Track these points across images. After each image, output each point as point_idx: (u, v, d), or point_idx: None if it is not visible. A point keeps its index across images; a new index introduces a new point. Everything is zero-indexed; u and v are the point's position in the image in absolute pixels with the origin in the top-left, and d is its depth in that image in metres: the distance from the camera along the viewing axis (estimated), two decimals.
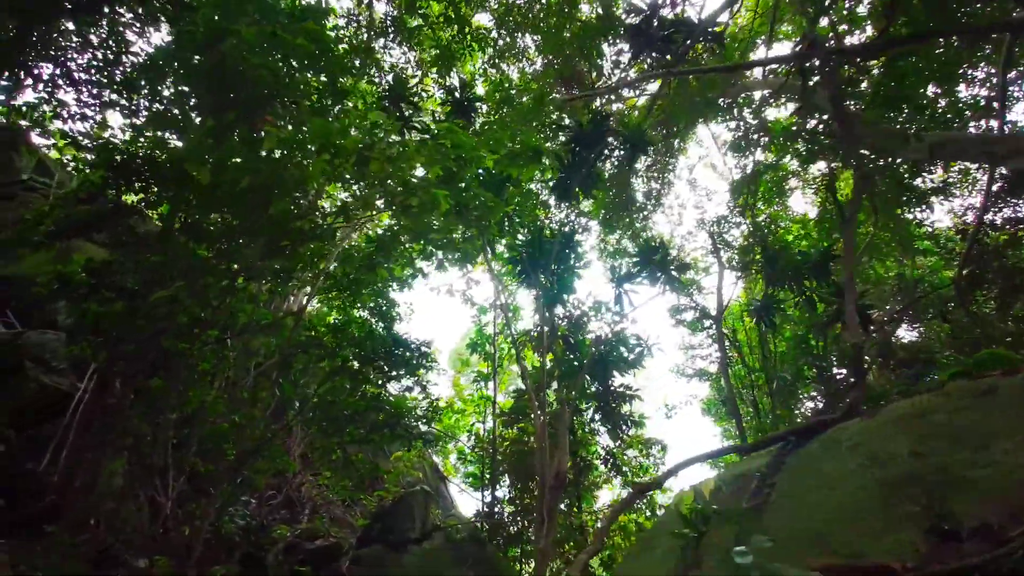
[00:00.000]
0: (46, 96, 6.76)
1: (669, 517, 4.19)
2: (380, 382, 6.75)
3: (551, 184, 8.23)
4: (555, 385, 10.26)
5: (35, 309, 10.94)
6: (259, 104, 4.96)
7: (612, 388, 12.20)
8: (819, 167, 14.59)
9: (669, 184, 14.40)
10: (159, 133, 6.23)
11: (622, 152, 7.95)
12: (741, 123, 12.27)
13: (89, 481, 7.36)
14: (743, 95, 11.84)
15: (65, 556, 5.84)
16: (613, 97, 12.65)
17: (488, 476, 14.59)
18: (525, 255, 8.30)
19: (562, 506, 13.66)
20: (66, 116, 6.91)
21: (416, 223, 4.03)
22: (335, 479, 8.61)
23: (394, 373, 6.63)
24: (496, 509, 12.45)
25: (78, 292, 7.31)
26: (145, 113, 6.54)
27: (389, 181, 3.87)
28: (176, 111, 6.35)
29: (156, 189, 6.68)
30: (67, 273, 6.87)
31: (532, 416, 12.02)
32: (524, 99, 9.31)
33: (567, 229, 8.67)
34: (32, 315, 10.75)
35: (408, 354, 6.50)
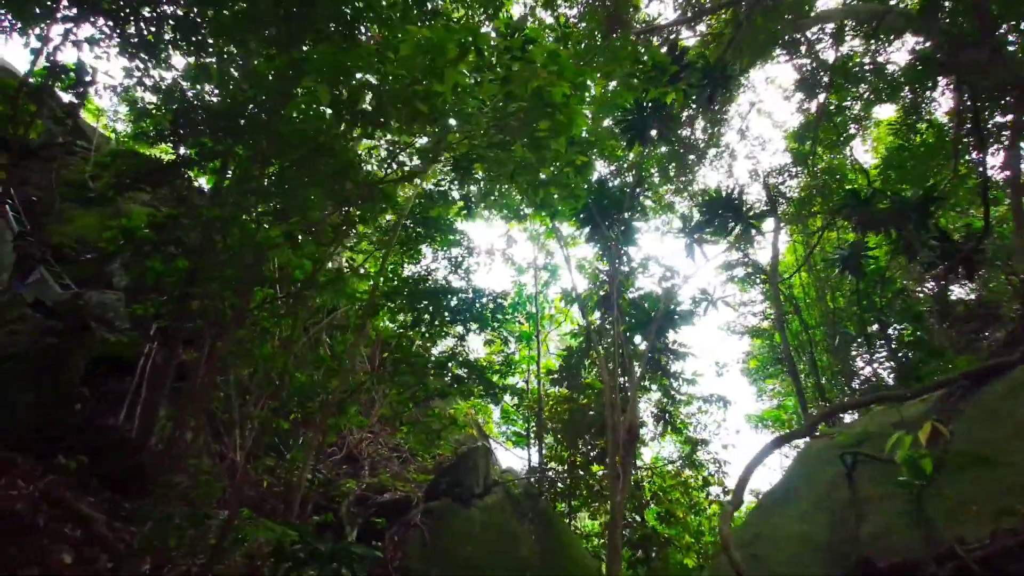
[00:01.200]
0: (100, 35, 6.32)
1: (806, 468, 3.89)
2: (459, 335, 6.53)
3: (621, 126, 7.67)
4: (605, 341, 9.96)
5: (89, 270, 10.96)
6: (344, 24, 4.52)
7: (667, 344, 11.91)
8: (884, 110, 13.59)
9: (721, 133, 13.60)
10: (224, 76, 5.85)
11: (700, 89, 7.33)
12: (811, 60, 11.35)
13: (167, 438, 7.41)
14: (816, 27, 10.89)
15: (159, 518, 5.88)
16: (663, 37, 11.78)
17: (533, 434, 14.66)
18: (592, 204, 7.85)
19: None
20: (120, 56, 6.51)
21: (538, 153, 3.63)
22: (411, 434, 8.57)
23: (474, 326, 6.38)
24: (549, 466, 12.49)
25: (143, 249, 7.15)
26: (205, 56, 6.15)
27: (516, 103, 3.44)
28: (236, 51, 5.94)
29: (222, 137, 6.36)
30: (131, 228, 6.67)
31: (597, 371, 11.83)
32: (581, 43, 8.63)
33: (631, 177, 8.17)
34: (86, 276, 10.77)
35: (489, 305, 6.22)
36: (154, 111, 6.27)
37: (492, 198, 5.74)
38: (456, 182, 6.78)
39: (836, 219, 13.15)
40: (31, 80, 6.89)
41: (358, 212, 5.93)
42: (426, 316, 6.19)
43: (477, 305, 6.22)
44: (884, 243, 8.08)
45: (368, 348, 6.13)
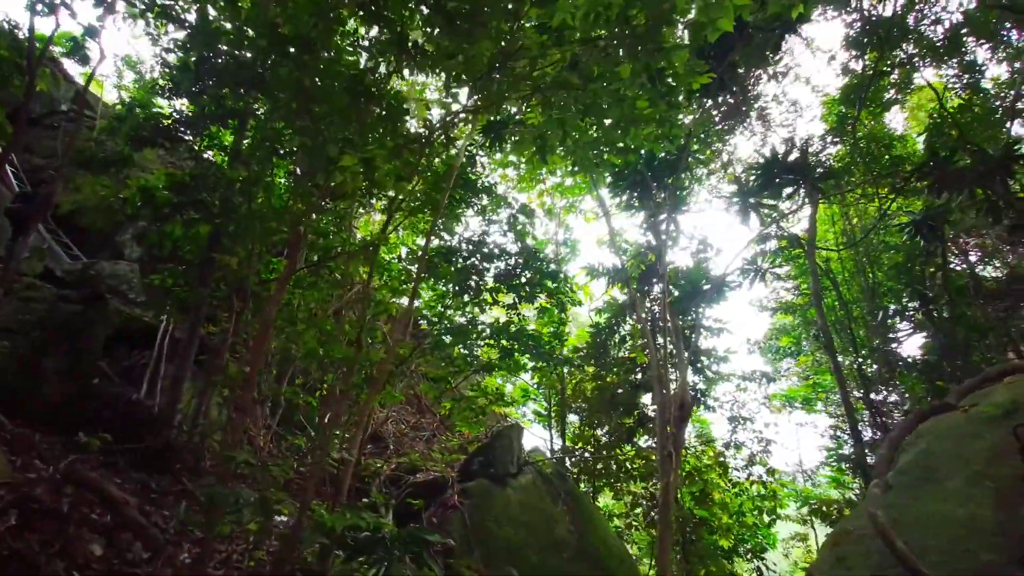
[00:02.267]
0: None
1: (946, 444, 3.39)
2: (510, 303, 6.02)
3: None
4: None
5: (98, 240, 10.44)
6: None
7: (699, 321, 11.41)
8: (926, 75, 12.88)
9: (757, 96, 12.87)
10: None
11: (765, 36, 6.67)
12: (861, 16, 10.59)
13: (192, 414, 6.99)
14: None
15: (190, 496, 5.46)
16: None
17: (554, 413, 14.29)
18: (643, 164, 7.26)
19: (641, 442, 13.36)
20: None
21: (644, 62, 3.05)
22: (456, 410, 8.14)
23: (527, 292, 5.85)
24: (578, 446, 12.12)
25: (161, 212, 6.61)
26: None
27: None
28: None
29: (246, 90, 5.76)
30: (150, 189, 6.12)
31: (629, 347, 11.37)
32: None
33: (681, 140, 7.53)
34: (97, 246, 10.26)
35: (543, 270, 5.68)
36: (173, 62, 5.66)
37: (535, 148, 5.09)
38: (494, 141, 6.19)
39: (878, 188, 12.55)
40: (36, 45, 6.29)
41: (410, 163, 5.29)
42: (471, 283, 5.67)
43: (528, 270, 5.69)
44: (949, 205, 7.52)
45: (403, 320, 5.64)
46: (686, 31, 3.82)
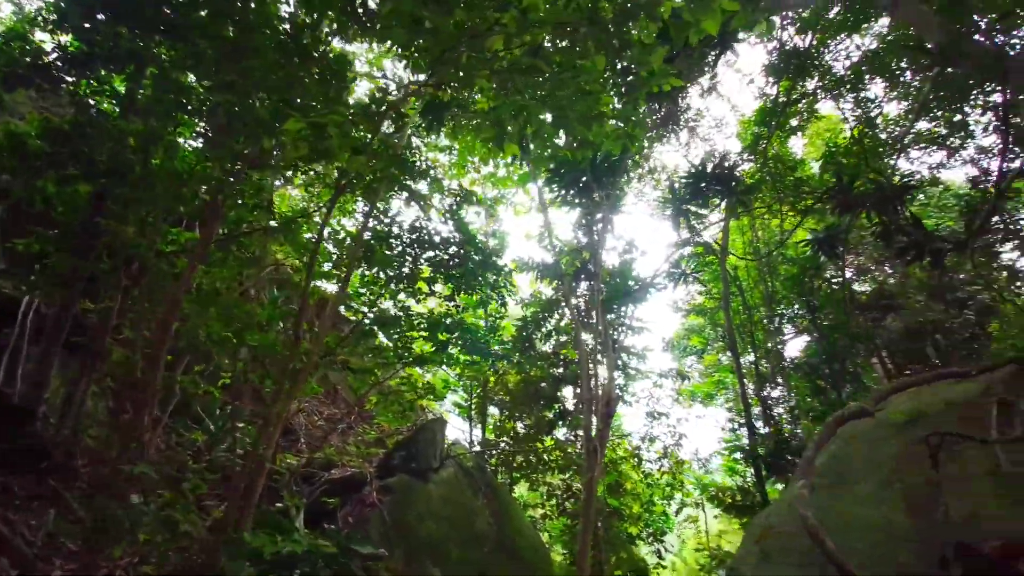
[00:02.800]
0: None
1: (858, 448, 3.71)
2: (447, 294, 5.72)
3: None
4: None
5: None
6: None
7: (622, 320, 11.86)
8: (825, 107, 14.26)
9: (687, 108, 13.57)
10: None
11: (707, 50, 6.96)
12: (780, 43, 11.49)
13: (61, 404, 5.95)
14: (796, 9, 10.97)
15: (60, 502, 4.63)
16: None
17: (474, 406, 14.21)
18: (586, 165, 7.29)
19: (559, 434, 13.66)
20: None
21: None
22: (382, 405, 7.67)
23: (465, 282, 5.59)
24: (499, 438, 12.13)
25: (32, 164, 5.51)
26: None
27: None
28: None
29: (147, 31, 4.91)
30: (20, 135, 5.06)
31: (555, 343, 11.48)
32: None
33: (642, 140, 7.68)
34: None
35: (483, 260, 5.45)
36: None
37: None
38: (433, 123, 5.86)
39: (782, 205, 13.79)
40: None
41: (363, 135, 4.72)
42: (406, 270, 5.32)
43: (468, 260, 5.45)
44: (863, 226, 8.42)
45: (334, 307, 5.17)
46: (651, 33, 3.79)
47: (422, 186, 5.68)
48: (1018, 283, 13.35)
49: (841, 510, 3.42)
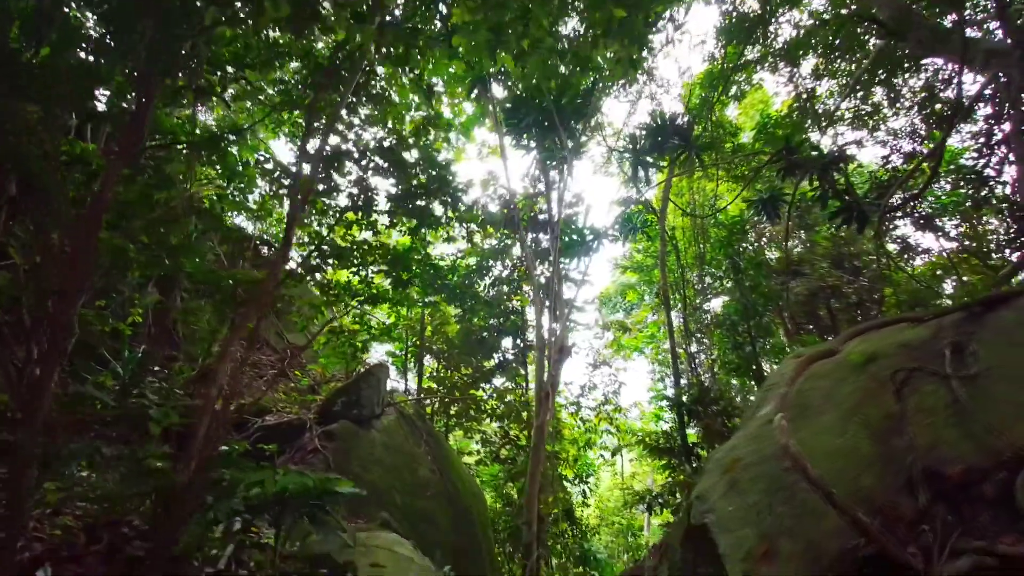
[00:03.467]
0: None
1: (817, 384, 3.93)
2: (411, 227, 5.21)
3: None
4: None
5: None
6: None
7: (565, 272, 11.94)
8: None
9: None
10: None
11: None
12: (733, 6, 11.58)
13: None
14: None
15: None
16: None
17: (412, 353, 13.90)
18: (551, 105, 6.94)
19: (499, 382, 13.74)
20: None
21: None
22: (330, 346, 7.09)
23: (432, 216, 5.09)
24: (437, 386, 11.97)
25: None
26: None
27: None
28: None
29: None
30: None
31: (508, 290, 11.29)
32: None
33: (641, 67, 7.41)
34: None
35: (452, 192, 4.97)
36: None
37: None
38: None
39: (719, 169, 14.35)
40: None
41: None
42: (364, 198, 4.75)
43: (437, 193, 4.96)
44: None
45: (287, 238, 4.53)
46: None
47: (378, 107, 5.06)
48: (909, 254, 15.07)
49: (805, 439, 3.58)
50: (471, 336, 11.82)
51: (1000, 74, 7.31)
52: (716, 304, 15.36)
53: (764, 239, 17.56)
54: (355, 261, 4.83)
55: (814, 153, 7.75)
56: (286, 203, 6.53)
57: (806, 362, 3.60)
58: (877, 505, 3.03)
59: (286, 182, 6.02)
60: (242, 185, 6.53)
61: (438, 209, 5.14)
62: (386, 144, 4.76)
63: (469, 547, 8.64)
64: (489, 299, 10.34)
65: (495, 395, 11.77)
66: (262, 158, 6.48)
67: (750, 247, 15.52)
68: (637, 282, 15.80)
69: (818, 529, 3.09)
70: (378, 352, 15.55)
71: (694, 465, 12.03)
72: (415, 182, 4.84)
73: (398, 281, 5.13)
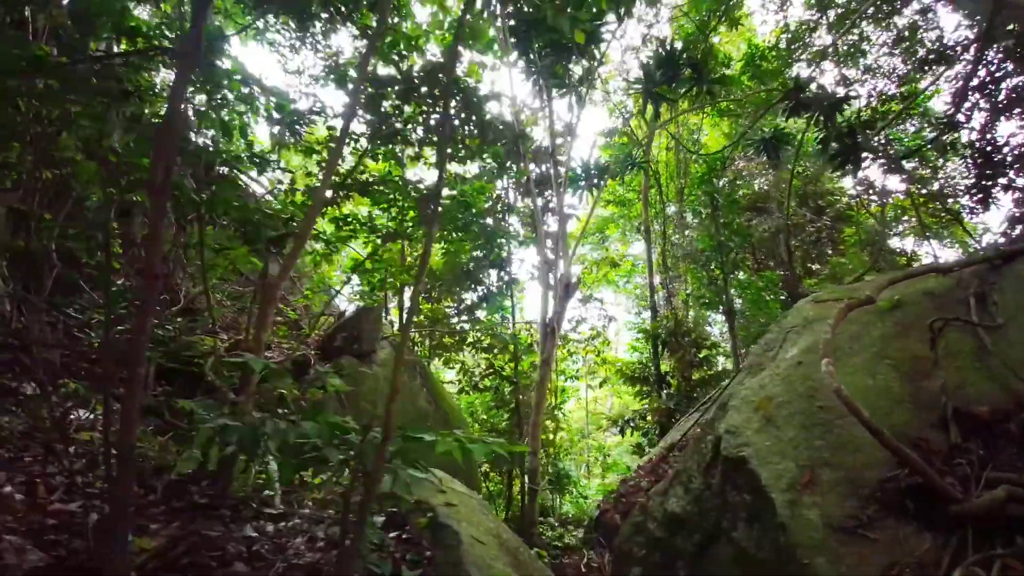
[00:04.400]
0: None
1: (846, 328, 4.17)
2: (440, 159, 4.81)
3: None
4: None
5: None
6: None
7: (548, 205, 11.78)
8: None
9: None
10: None
11: None
12: None
13: None
14: None
15: None
16: None
17: (392, 287, 13.67)
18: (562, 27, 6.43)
19: (481, 314, 13.83)
20: None
21: None
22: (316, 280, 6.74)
23: (466, 150, 4.72)
24: (422, 320, 11.93)
25: None
26: None
27: None
28: None
29: None
30: None
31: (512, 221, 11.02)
32: None
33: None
34: None
35: (486, 125, 4.59)
36: None
37: None
38: None
39: (706, 103, 14.13)
40: None
41: None
42: (398, 127, 4.30)
43: (470, 123, 4.57)
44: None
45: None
46: None
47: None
48: (871, 194, 15.78)
49: (839, 378, 3.80)
50: (456, 268, 11.68)
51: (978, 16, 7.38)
52: (690, 239, 15.77)
53: (743, 176, 17.83)
54: (386, 196, 4.51)
55: (820, 91, 7.74)
56: (262, 123, 5.94)
57: (846, 309, 3.78)
58: (911, 440, 3.34)
59: (265, 100, 5.43)
60: (220, 100, 5.85)
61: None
62: (416, 70, 4.30)
63: (467, 473, 9.10)
64: (480, 230, 10.10)
65: (480, 327, 11.89)
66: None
67: (726, 183, 15.77)
68: (615, 216, 15.89)
69: (855, 461, 3.40)
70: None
71: (664, 392, 12.91)
72: (452, 112, 4.43)
73: (427, 218, 4.88)
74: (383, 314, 8.39)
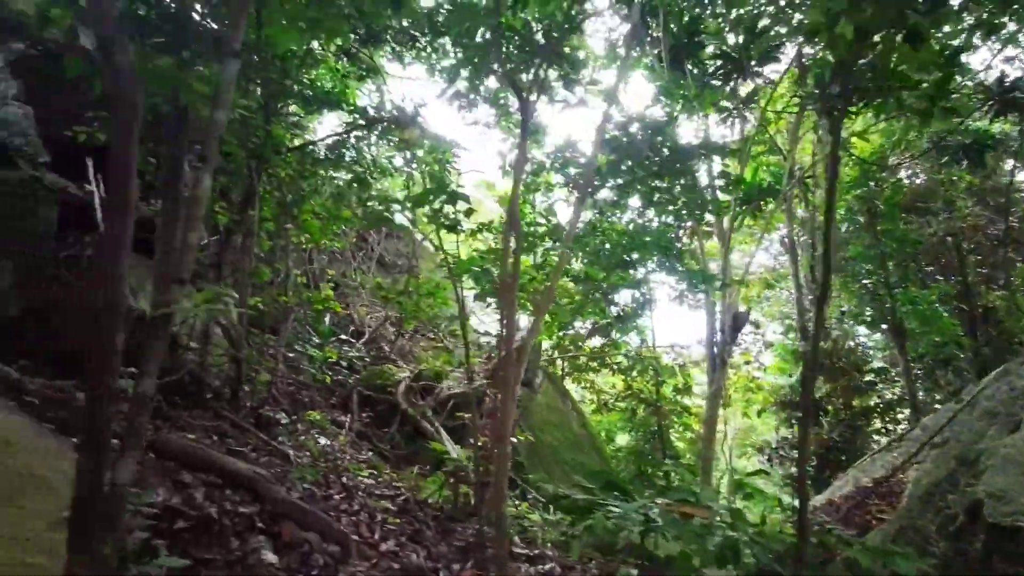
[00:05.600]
0: None
1: None
2: None
3: None
4: None
5: None
6: None
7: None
8: None
9: None
10: None
11: None
12: None
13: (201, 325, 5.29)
14: None
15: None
16: None
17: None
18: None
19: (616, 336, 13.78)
20: None
21: None
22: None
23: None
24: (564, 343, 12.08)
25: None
26: None
27: None
28: None
29: None
30: None
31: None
32: None
33: None
34: None
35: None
36: None
37: None
38: None
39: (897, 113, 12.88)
40: None
41: None
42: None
43: None
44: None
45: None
46: None
47: None
48: None
49: None
50: (590, 289, 11.69)
51: None
52: (843, 251, 14.34)
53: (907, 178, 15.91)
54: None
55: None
56: None
57: None
58: None
59: None
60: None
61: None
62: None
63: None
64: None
65: (618, 350, 11.77)
66: None
67: (887, 187, 14.16)
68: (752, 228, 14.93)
69: None
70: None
71: (825, 421, 11.81)
72: None
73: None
74: (540, 342, 8.63)
